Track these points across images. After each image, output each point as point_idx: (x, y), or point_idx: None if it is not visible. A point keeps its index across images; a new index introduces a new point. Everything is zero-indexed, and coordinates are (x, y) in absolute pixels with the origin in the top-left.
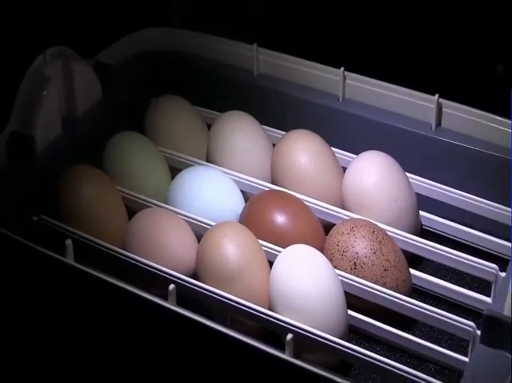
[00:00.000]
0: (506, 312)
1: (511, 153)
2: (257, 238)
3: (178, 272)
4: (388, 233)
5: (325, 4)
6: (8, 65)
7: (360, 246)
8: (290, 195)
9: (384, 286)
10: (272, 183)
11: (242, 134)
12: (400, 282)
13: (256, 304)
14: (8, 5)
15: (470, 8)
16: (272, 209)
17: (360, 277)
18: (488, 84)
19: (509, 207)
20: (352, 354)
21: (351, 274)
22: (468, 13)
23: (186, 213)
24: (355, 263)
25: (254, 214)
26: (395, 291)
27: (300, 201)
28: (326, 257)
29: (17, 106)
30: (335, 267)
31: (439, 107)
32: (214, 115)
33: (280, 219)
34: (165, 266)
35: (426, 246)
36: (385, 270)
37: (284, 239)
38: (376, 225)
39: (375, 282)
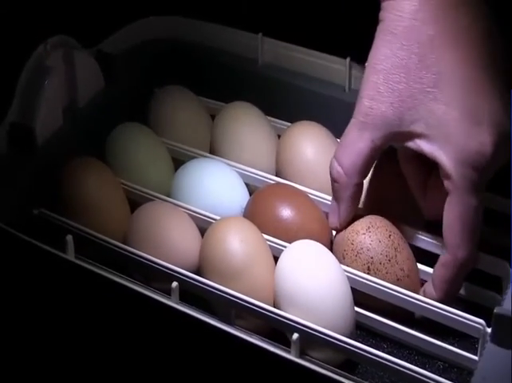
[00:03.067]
0: None
1: (511, 151)
2: (262, 232)
3: (181, 267)
4: (421, 236)
5: None
6: (8, 55)
7: (376, 250)
8: (295, 188)
9: None
10: (277, 175)
11: (246, 125)
12: (411, 291)
13: (260, 300)
14: None
15: None
16: (277, 203)
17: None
18: None
19: None
20: (359, 353)
21: None
22: None
23: (189, 207)
24: (369, 268)
25: (258, 207)
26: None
27: (305, 194)
28: (337, 252)
29: (17, 96)
30: (347, 266)
31: None
32: (218, 105)
33: (285, 212)
34: (168, 261)
35: (434, 240)
36: (398, 279)
37: (289, 233)
38: (392, 227)
39: None
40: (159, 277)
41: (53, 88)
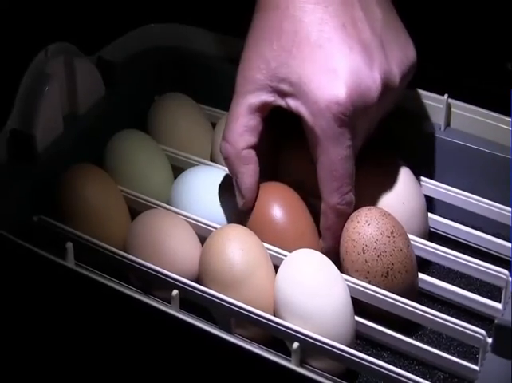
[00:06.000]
0: None
1: (511, 152)
2: (258, 234)
3: (180, 275)
4: (420, 245)
5: None
6: (9, 62)
7: (398, 258)
8: (289, 188)
9: None
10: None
11: None
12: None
13: (260, 309)
14: (9, 1)
15: (480, 6)
16: (270, 203)
17: (388, 288)
18: (498, 82)
19: None
20: (359, 363)
21: (381, 280)
22: (477, 11)
23: (189, 215)
24: (387, 273)
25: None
26: None
27: (299, 197)
28: (357, 244)
29: (17, 104)
30: (365, 262)
31: (448, 107)
32: (218, 113)
33: (278, 214)
34: (167, 270)
35: (434, 249)
36: (409, 291)
37: (284, 236)
38: (407, 235)
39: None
40: (159, 285)
41: (53, 95)
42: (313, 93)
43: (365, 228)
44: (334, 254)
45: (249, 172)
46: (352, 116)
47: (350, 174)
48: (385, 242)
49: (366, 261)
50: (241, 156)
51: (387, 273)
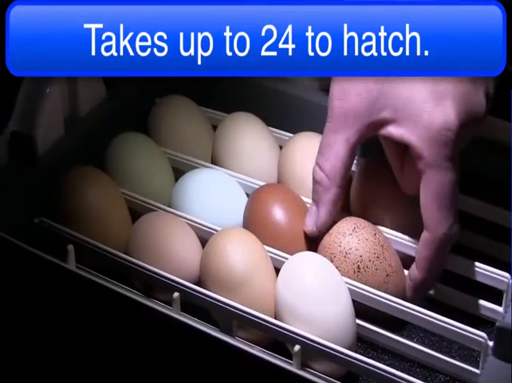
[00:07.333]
0: None
1: (511, 154)
2: (259, 236)
3: (181, 278)
4: (400, 239)
5: None
6: None
7: (364, 249)
8: (292, 191)
9: (385, 291)
10: None
11: (248, 136)
12: (400, 287)
13: (262, 312)
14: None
15: None
16: (272, 205)
17: (363, 281)
18: (498, 82)
19: None
20: (360, 365)
21: (354, 277)
22: None
23: (190, 217)
24: (358, 267)
25: (254, 211)
26: (395, 297)
27: (299, 198)
28: (324, 256)
29: (18, 105)
30: (336, 268)
31: None
32: (219, 116)
33: (280, 215)
34: (169, 272)
35: (412, 244)
36: (387, 275)
37: (285, 238)
38: (375, 227)
39: (377, 288)
40: (160, 287)
41: (54, 97)
42: (423, 120)
43: (328, 239)
44: (426, 288)
45: (332, 211)
46: (460, 139)
47: (455, 202)
48: (348, 240)
49: (337, 267)
50: (333, 193)
51: (358, 267)
